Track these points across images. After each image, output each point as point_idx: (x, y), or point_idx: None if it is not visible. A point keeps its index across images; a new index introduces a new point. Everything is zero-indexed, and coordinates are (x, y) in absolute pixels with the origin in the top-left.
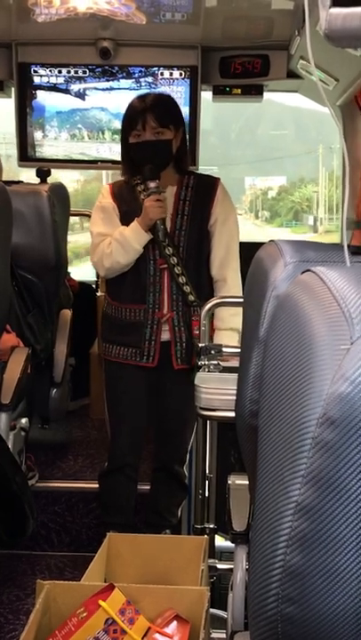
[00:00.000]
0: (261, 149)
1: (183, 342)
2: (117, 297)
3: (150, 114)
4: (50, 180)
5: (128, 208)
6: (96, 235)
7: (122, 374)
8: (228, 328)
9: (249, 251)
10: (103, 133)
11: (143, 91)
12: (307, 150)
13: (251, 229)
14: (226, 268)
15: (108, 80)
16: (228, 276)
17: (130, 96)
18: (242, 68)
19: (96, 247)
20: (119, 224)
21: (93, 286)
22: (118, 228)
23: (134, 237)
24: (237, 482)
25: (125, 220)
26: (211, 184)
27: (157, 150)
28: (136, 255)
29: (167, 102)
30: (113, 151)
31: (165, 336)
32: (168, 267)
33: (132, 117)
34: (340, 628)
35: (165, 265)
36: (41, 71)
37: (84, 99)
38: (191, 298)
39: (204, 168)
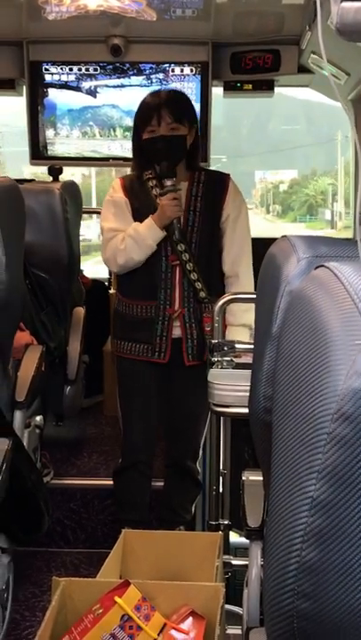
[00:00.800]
0: (273, 144)
1: (194, 339)
2: (129, 294)
3: (165, 109)
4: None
5: (140, 203)
6: (107, 230)
7: (134, 371)
8: (240, 324)
9: (261, 247)
10: (114, 131)
11: (154, 87)
12: (318, 141)
13: (262, 225)
14: (239, 265)
15: (119, 77)
16: (241, 273)
17: (141, 93)
18: (253, 64)
19: (108, 243)
20: (131, 219)
21: (106, 283)
22: (130, 223)
23: (149, 234)
24: (252, 478)
25: (137, 216)
26: (222, 180)
27: (172, 145)
28: (150, 252)
29: (181, 98)
30: (124, 148)
31: (177, 332)
32: (180, 263)
33: (146, 113)
34: (355, 623)
35: (177, 261)
36: (52, 69)
37: (95, 96)
38: (202, 294)
39: (212, 157)
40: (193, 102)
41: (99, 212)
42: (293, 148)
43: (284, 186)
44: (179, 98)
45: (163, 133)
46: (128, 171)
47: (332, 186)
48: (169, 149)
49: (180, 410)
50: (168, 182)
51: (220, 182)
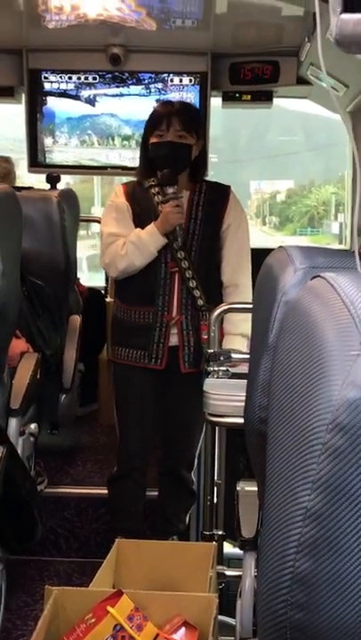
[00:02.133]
0: (269, 153)
1: (191, 346)
2: (127, 299)
3: (176, 117)
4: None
5: (141, 209)
6: (107, 235)
7: (130, 377)
8: (238, 333)
9: (259, 257)
10: (113, 139)
11: (153, 97)
12: (314, 147)
13: (259, 238)
14: (238, 275)
15: (118, 86)
16: (241, 283)
17: (140, 102)
18: (252, 75)
19: (107, 247)
20: (132, 225)
21: (102, 292)
22: (131, 229)
23: (151, 241)
24: (246, 488)
25: (138, 222)
26: (223, 191)
27: (177, 152)
28: (151, 258)
29: (192, 110)
30: (123, 157)
31: (174, 339)
32: (179, 270)
33: (157, 119)
34: (349, 635)
35: (176, 268)
36: (51, 77)
37: (94, 105)
38: (200, 302)
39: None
40: None
41: (96, 221)
42: (287, 155)
43: (281, 196)
44: (190, 109)
45: (170, 139)
46: (127, 179)
47: (335, 195)
48: (174, 156)
49: (176, 418)
50: (170, 190)
51: (221, 193)
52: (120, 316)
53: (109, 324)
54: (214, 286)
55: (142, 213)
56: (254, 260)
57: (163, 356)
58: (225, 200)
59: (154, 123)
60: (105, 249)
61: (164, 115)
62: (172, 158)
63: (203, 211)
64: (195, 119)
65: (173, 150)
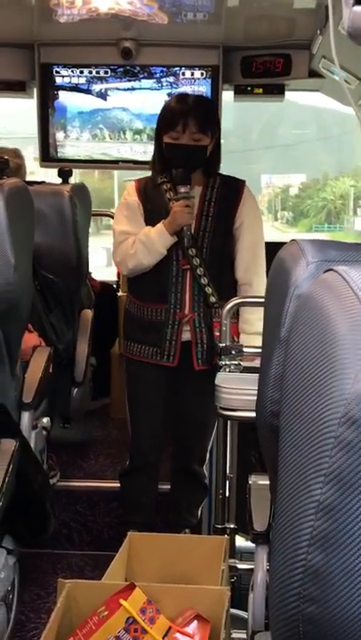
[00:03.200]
0: (281, 146)
1: (204, 343)
2: (139, 296)
3: (192, 117)
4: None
5: (152, 206)
6: (119, 233)
7: (142, 373)
8: (254, 332)
9: (271, 251)
10: (125, 133)
11: (165, 91)
12: (327, 144)
13: (272, 234)
14: (252, 272)
15: (129, 80)
16: (254, 281)
17: (151, 96)
18: (263, 68)
19: (119, 246)
20: (143, 223)
21: (114, 286)
22: (142, 227)
23: (160, 241)
24: (258, 482)
25: (149, 219)
26: (236, 186)
27: (193, 156)
28: (160, 257)
29: (208, 106)
30: (134, 151)
31: (186, 336)
32: (191, 267)
33: (172, 117)
34: None
35: (188, 266)
36: (63, 71)
37: (105, 99)
38: (213, 299)
39: None
40: None
41: (108, 215)
42: (296, 144)
43: (294, 190)
44: (206, 106)
45: (185, 142)
46: (137, 174)
47: (354, 188)
48: (189, 159)
49: (189, 414)
50: (182, 189)
51: (234, 188)
52: (133, 312)
53: (121, 319)
54: (227, 283)
55: (153, 211)
56: (267, 254)
57: (175, 354)
58: (238, 196)
59: (169, 122)
60: (117, 247)
61: (180, 114)
62: (188, 161)
63: (215, 207)
64: (211, 117)
65: (189, 154)
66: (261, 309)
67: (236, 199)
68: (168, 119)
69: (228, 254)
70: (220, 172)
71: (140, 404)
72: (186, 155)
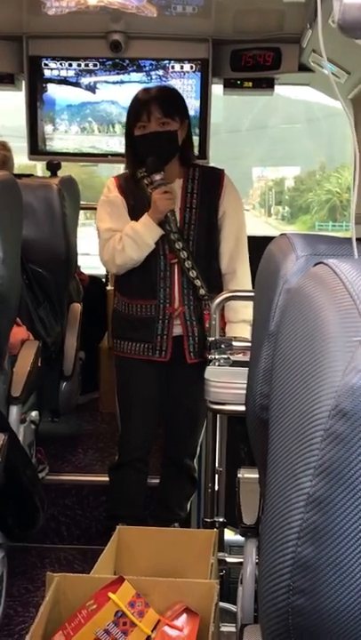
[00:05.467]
0: (272, 143)
1: (196, 336)
2: (128, 293)
3: (155, 104)
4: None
5: (135, 201)
6: (104, 231)
7: (133, 370)
8: (240, 320)
9: (260, 245)
10: (113, 127)
11: (154, 84)
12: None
13: (267, 232)
14: (235, 261)
15: (118, 73)
16: (238, 269)
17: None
18: (253, 61)
19: (105, 243)
20: (128, 218)
21: (103, 280)
22: (126, 222)
23: (147, 233)
24: (247, 475)
25: (133, 214)
26: (216, 176)
27: (163, 141)
28: (148, 250)
29: (171, 93)
30: (123, 144)
31: (177, 330)
32: (178, 261)
33: (137, 109)
34: (351, 620)
35: (176, 260)
36: (51, 64)
37: (94, 92)
38: (202, 292)
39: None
40: (192, 100)
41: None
42: (289, 124)
43: (290, 182)
44: (169, 93)
45: (153, 129)
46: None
47: None
48: (160, 145)
49: (181, 408)
50: (157, 177)
51: (214, 178)
52: (122, 310)
53: (110, 313)
54: (216, 275)
55: (136, 206)
56: (256, 248)
57: (167, 348)
58: (219, 185)
59: (135, 113)
60: (103, 245)
61: (143, 104)
62: (160, 148)
63: (197, 198)
64: (175, 102)
65: (159, 140)
66: None
67: (217, 189)
68: (134, 111)
69: (214, 245)
70: (212, 165)
71: (131, 400)
72: (155, 141)
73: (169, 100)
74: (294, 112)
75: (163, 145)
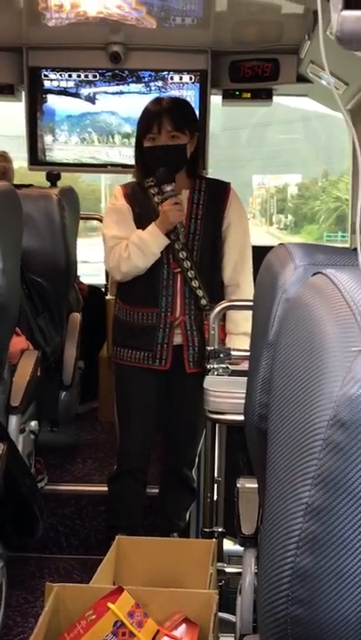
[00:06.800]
0: (271, 152)
1: (196, 346)
2: (129, 301)
3: (166, 117)
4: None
5: (141, 210)
6: (110, 238)
7: (133, 378)
8: (241, 333)
9: (260, 255)
10: (113, 137)
11: (153, 95)
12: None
13: (268, 242)
14: (239, 273)
15: (118, 84)
16: (242, 281)
17: (140, 100)
18: (252, 72)
19: (111, 250)
20: (134, 226)
21: (102, 290)
22: (133, 230)
23: (154, 242)
24: (246, 485)
25: (139, 222)
26: (223, 188)
27: (172, 154)
28: (154, 259)
29: (183, 106)
30: (123, 155)
31: (178, 340)
32: (181, 270)
33: (148, 120)
34: (350, 630)
35: (179, 269)
36: (51, 75)
37: (94, 103)
38: (204, 302)
39: None
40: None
41: (96, 219)
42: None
43: (293, 189)
44: (181, 105)
45: (163, 142)
46: (128, 177)
47: None
48: (168, 158)
49: (180, 417)
50: (168, 188)
51: (220, 190)
52: (122, 318)
53: (110, 322)
54: (218, 285)
55: (143, 214)
56: (255, 257)
57: (167, 357)
58: (225, 198)
59: (146, 125)
60: (108, 252)
61: (155, 116)
62: (168, 161)
63: (203, 209)
64: (186, 115)
65: (168, 153)
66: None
67: (223, 200)
68: (145, 123)
69: (217, 256)
70: (210, 175)
71: (131, 409)
72: (165, 154)
73: (180, 112)
74: (293, 119)
75: (171, 158)
